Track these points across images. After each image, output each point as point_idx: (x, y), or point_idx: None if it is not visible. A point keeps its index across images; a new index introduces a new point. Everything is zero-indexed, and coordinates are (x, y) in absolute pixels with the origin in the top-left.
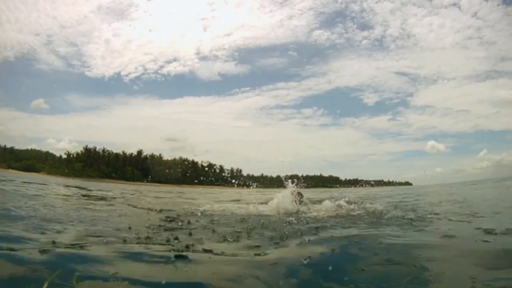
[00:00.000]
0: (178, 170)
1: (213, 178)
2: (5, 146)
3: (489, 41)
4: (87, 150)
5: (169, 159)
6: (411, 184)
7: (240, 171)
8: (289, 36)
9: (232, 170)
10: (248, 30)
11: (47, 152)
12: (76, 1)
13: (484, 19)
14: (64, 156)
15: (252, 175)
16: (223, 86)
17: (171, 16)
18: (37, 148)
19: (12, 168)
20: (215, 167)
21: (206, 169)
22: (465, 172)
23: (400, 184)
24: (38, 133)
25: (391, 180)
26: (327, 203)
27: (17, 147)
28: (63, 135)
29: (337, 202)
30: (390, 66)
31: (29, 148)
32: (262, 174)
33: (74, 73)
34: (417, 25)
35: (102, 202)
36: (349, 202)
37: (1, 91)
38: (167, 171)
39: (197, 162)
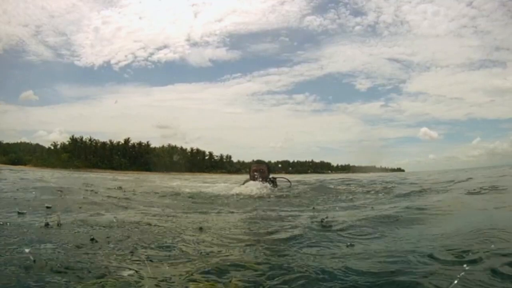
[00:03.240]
0: (166, 157)
1: (203, 165)
2: None
3: (484, 30)
4: (73, 140)
5: (157, 146)
6: (403, 171)
7: (230, 157)
8: (281, 22)
9: (222, 156)
10: (240, 16)
11: (37, 145)
12: None
13: (479, 8)
14: (52, 147)
15: (243, 161)
16: (214, 72)
17: (161, 3)
18: (27, 141)
19: None
20: (204, 153)
21: (196, 156)
22: (458, 159)
23: (393, 170)
24: (28, 125)
25: (383, 166)
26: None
27: (7, 140)
28: (53, 126)
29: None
30: (383, 53)
31: (19, 141)
32: (253, 160)
33: (63, 63)
34: (411, 12)
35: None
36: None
37: None
38: (155, 159)
39: (186, 149)
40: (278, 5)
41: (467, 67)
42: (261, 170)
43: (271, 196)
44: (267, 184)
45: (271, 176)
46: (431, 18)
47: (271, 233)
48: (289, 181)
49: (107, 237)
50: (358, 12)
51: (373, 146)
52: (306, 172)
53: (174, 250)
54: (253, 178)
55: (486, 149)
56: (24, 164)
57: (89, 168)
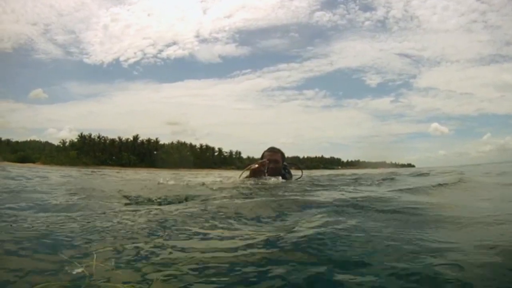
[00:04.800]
0: (175, 154)
1: (212, 161)
2: (0, 138)
3: (494, 25)
4: (82, 137)
5: (167, 143)
6: (413, 166)
7: (240, 153)
8: (290, 17)
9: (231, 152)
10: (249, 12)
11: (46, 142)
12: None
13: (489, 3)
14: (60, 145)
15: (253, 157)
16: (223, 68)
17: (170, 0)
18: (37, 139)
19: (8, 160)
20: (214, 150)
21: (205, 152)
22: (469, 155)
23: (403, 166)
24: (37, 123)
25: (393, 162)
26: None
27: (17, 139)
28: (63, 124)
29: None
30: (392, 48)
31: (29, 139)
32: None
33: (72, 61)
34: (420, 7)
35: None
36: None
37: (0, 83)
38: (164, 155)
39: (195, 146)
40: (287, 0)
41: (477, 62)
42: (275, 160)
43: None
44: (279, 178)
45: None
46: (440, 13)
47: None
48: (301, 171)
49: None
50: (367, 7)
51: (383, 142)
52: (316, 168)
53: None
54: (255, 172)
55: (496, 145)
56: (33, 162)
57: (97, 165)
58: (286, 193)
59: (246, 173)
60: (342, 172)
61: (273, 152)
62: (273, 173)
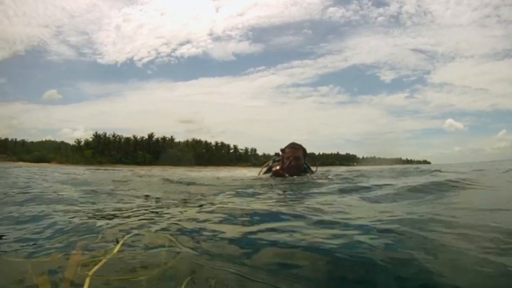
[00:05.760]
0: (190, 151)
1: (227, 158)
2: (15, 139)
3: (508, 19)
4: (97, 136)
5: (182, 141)
6: (429, 163)
7: (255, 150)
8: (303, 14)
9: (246, 149)
10: (261, 9)
11: (61, 142)
12: None
13: None
14: (75, 145)
15: (268, 154)
16: (237, 66)
17: None
18: (52, 139)
19: (23, 161)
20: (229, 147)
21: (220, 149)
22: (484, 151)
23: (419, 162)
24: (52, 124)
25: (409, 158)
26: None
27: (31, 139)
28: (77, 124)
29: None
30: (406, 43)
31: (44, 139)
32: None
33: (86, 62)
34: (433, 1)
35: None
36: None
37: (13, 85)
38: (179, 153)
39: (210, 143)
40: None
41: (491, 57)
42: (298, 157)
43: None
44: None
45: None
46: (454, 8)
47: None
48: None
49: None
50: (380, 3)
51: (398, 138)
52: (332, 164)
53: None
54: (278, 173)
55: None
56: (48, 161)
57: (113, 164)
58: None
59: (264, 169)
60: (364, 168)
61: (295, 149)
62: (296, 170)
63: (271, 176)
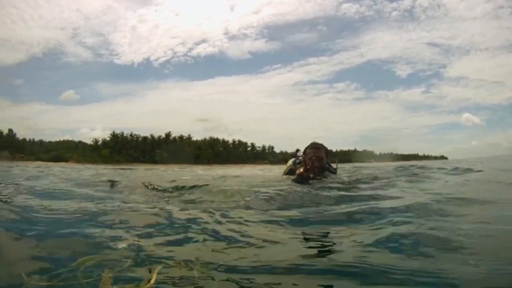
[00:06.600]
0: (208, 150)
1: (244, 157)
2: (33, 139)
3: None
4: (114, 136)
5: (199, 139)
6: (446, 158)
7: (272, 148)
8: (318, 11)
9: (264, 147)
10: (276, 7)
11: (79, 142)
12: None
13: None
14: (93, 144)
15: (286, 151)
16: (254, 64)
17: None
18: (70, 139)
19: (41, 160)
20: (246, 145)
21: (238, 147)
22: (501, 145)
23: (436, 158)
24: (69, 124)
25: (426, 154)
26: None
27: (49, 139)
28: (95, 124)
29: None
30: (421, 37)
31: (62, 139)
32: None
33: (102, 62)
34: None
35: None
36: None
37: (31, 87)
38: (196, 151)
39: (227, 141)
40: None
41: (506, 49)
42: (320, 157)
43: None
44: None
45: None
46: (467, 0)
47: None
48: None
49: None
50: None
51: (415, 134)
52: (349, 161)
53: None
54: (302, 176)
55: None
56: (66, 161)
57: (130, 163)
58: None
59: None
60: (382, 164)
61: (317, 149)
62: (319, 171)
63: (295, 179)
